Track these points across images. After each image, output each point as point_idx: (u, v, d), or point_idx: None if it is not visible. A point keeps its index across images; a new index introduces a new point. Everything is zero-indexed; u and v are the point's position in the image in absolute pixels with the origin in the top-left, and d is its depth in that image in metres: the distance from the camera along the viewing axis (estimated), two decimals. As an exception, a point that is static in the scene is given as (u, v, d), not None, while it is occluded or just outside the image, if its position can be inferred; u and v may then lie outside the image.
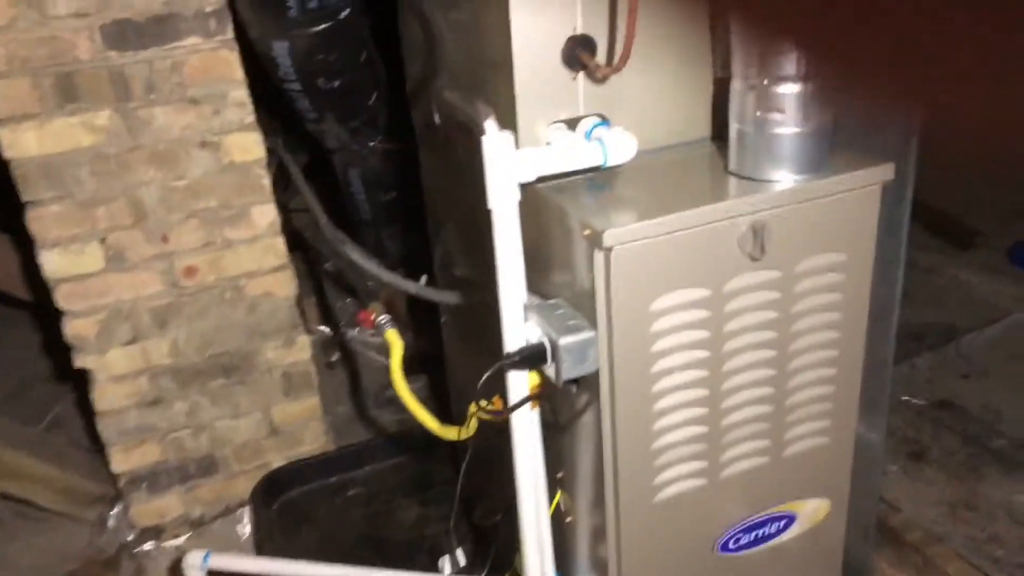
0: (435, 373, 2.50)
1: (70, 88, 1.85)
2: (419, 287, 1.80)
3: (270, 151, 2.86)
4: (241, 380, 2.27)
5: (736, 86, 1.17)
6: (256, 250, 2.15)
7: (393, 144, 2.38)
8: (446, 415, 1.71)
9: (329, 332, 3.09)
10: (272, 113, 2.36)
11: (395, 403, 2.92)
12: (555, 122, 1.28)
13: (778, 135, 1.14)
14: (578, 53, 1.22)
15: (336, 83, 2.07)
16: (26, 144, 1.86)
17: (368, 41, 2.10)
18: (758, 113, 1.14)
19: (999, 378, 2.67)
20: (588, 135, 1.27)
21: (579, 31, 1.23)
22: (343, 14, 1.89)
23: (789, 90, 1.11)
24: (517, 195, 1.17)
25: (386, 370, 3.12)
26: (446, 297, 1.68)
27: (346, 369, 2.96)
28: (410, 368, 1.58)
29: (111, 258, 2.01)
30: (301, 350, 2.30)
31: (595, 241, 1.08)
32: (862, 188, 1.19)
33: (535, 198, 1.23)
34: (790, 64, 1.09)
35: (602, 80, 1.23)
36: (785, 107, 1.12)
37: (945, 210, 3.72)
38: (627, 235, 1.08)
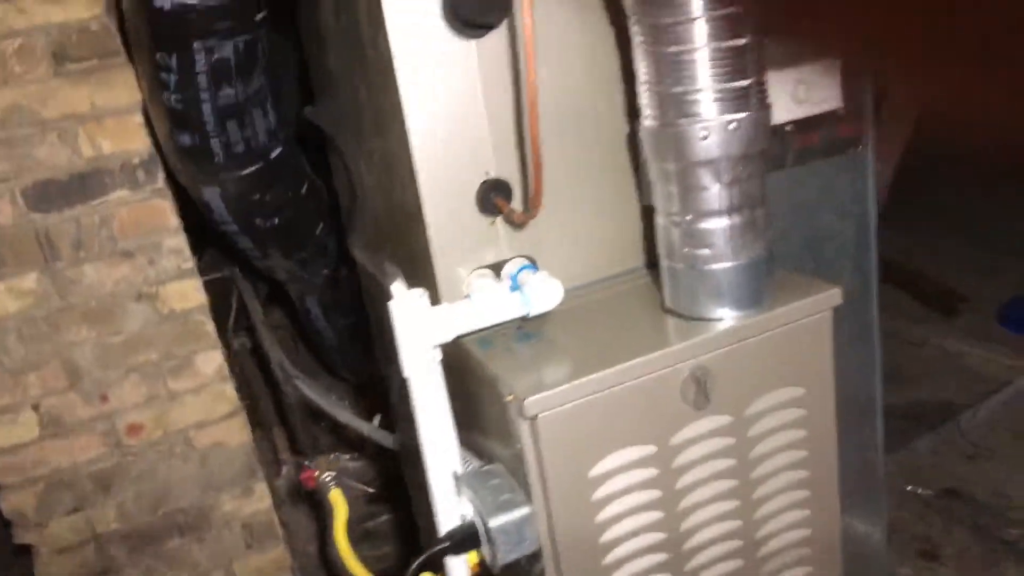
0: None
1: (-7, 255, 1.78)
2: (371, 427, 1.69)
3: (228, 281, 2.79)
4: (199, 538, 2.12)
5: (660, 221, 1.08)
6: (204, 399, 2.04)
7: (347, 269, 2.31)
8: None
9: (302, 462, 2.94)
10: (225, 245, 2.30)
11: (372, 537, 2.76)
12: (479, 268, 1.19)
13: (710, 271, 1.05)
14: (493, 198, 1.15)
15: (275, 220, 2.00)
16: (-52, 316, 1.77)
17: (307, 174, 2.04)
18: (686, 250, 1.05)
19: (1005, 458, 2.52)
20: (514, 279, 1.18)
21: (492, 175, 1.16)
22: (274, 154, 1.83)
23: (716, 225, 1.03)
24: (437, 357, 1.07)
25: (362, 499, 2.96)
26: (390, 441, 1.56)
27: (316, 502, 2.80)
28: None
29: (46, 424, 1.90)
30: (260, 499, 2.16)
31: (518, 409, 0.97)
32: (810, 317, 1.10)
33: (458, 352, 1.13)
34: (714, 199, 1.01)
35: (520, 225, 1.15)
36: (713, 243, 1.03)
37: (926, 274, 3.64)
38: (553, 400, 0.97)
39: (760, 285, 1.07)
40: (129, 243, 1.88)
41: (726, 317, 1.07)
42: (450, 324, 1.06)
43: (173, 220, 1.91)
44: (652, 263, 1.24)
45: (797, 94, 1.35)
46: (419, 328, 1.03)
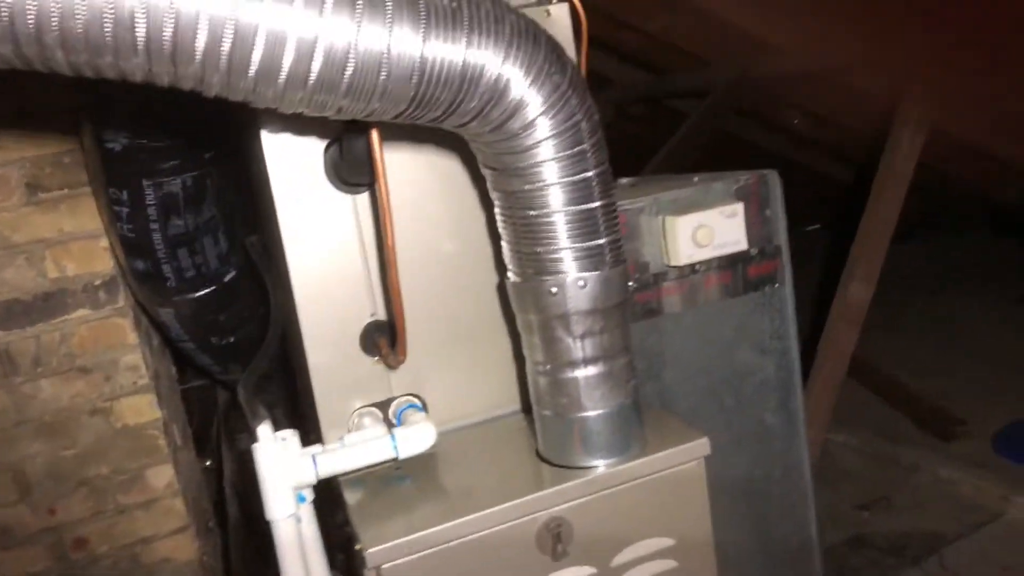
0: None
1: (-46, 370, 1.86)
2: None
3: (210, 389, 2.84)
4: (140, 656, 2.09)
5: (528, 369, 1.11)
6: (153, 514, 2.06)
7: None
8: None
9: None
10: (188, 361, 2.36)
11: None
12: (365, 406, 1.22)
13: (572, 420, 1.06)
14: (376, 339, 1.19)
15: (231, 339, 2.06)
16: (-94, 428, 1.84)
17: (266, 292, 2.11)
18: (549, 398, 1.07)
19: (990, 598, 2.39)
20: (398, 419, 1.20)
21: (378, 317, 1.20)
22: (227, 277, 1.91)
23: (573, 375, 1.05)
24: (309, 498, 1.09)
25: None
26: None
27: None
28: None
29: (-6, 536, 1.93)
30: (205, 618, 2.14)
31: (362, 560, 0.97)
32: (679, 466, 1.09)
33: (335, 491, 1.15)
34: (568, 351, 1.04)
35: (395, 367, 1.18)
36: (572, 392, 1.05)
37: (922, 395, 3.55)
38: (398, 551, 0.98)
39: (623, 434, 1.07)
40: (87, 360, 1.96)
41: (592, 465, 1.07)
42: (316, 467, 1.08)
43: (131, 337, 1.99)
44: (527, 407, 1.26)
45: (697, 238, 1.39)
46: (283, 471, 1.05)
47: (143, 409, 2.02)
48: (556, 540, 1.04)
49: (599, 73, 4.47)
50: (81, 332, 1.95)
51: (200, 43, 0.76)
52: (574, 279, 1.01)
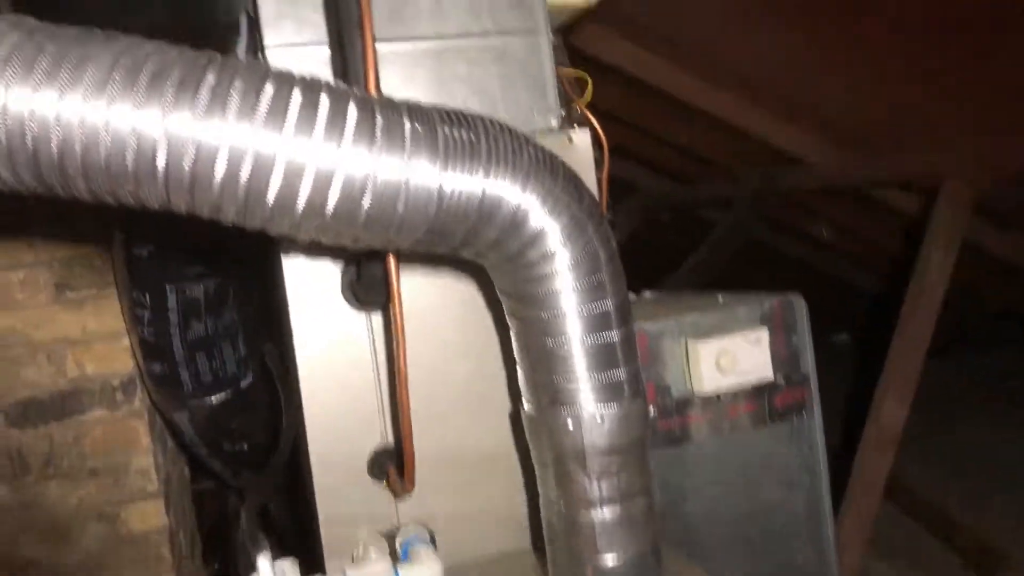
0: None
1: (-35, 468, 1.84)
2: None
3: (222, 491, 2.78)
4: None
5: (542, 505, 1.05)
6: (152, 629, 1.98)
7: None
8: None
9: None
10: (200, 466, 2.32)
11: None
12: (373, 535, 1.16)
13: (589, 565, 0.99)
14: (384, 465, 1.14)
15: (244, 446, 2.02)
16: (-90, 528, 1.81)
17: (279, 400, 2.09)
18: (563, 539, 1.01)
19: None
20: (404, 550, 1.15)
21: (388, 441, 1.16)
22: (244, 383, 1.90)
23: (589, 518, 0.99)
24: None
25: None
26: None
27: None
28: None
29: (-14, 646, 1.86)
30: None
31: None
32: (700, 620, 1.01)
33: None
34: (584, 491, 0.98)
35: (401, 496, 1.13)
36: (588, 535, 0.99)
37: (964, 525, 3.37)
38: None
39: (642, 582, 1.00)
40: (98, 461, 1.93)
41: (606, 616, 1.00)
42: (313, 603, 1.02)
43: (145, 440, 1.96)
44: (537, 546, 1.20)
45: (721, 364, 1.35)
46: (278, 607, 1.00)
47: (150, 516, 1.98)
48: None
49: (625, 180, 4.53)
50: (95, 433, 1.93)
51: (219, 173, 0.77)
52: (591, 414, 0.97)
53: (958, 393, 5.08)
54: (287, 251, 1.11)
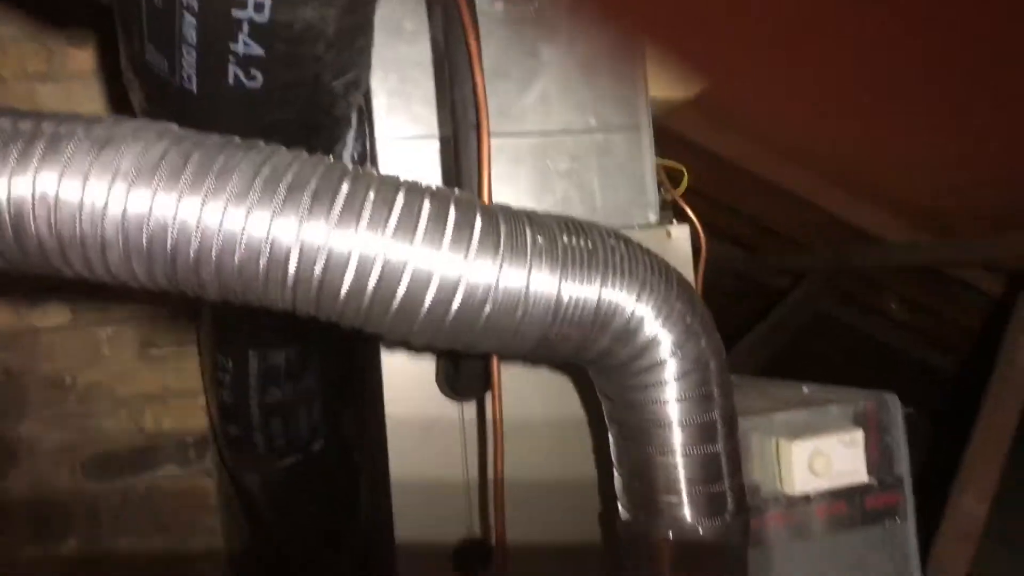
0: None
1: (40, 518, 1.87)
2: None
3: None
4: None
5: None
6: None
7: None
8: None
9: None
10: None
11: None
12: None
13: None
14: (468, 559, 1.12)
15: (313, 509, 2.02)
16: (-15, 578, 1.84)
17: (351, 472, 2.08)
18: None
19: None
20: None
21: (473, 535, 1.14)
22: (315, 447, 1.90)
23: None
24: None
25: None
26: None
27: None
28: None
29: None
30: None
31: None
32: None
33: None
34: None
35: (487, 597, 1.11)
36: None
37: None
38: None
39: None
40: (167, 518, 1.94)
41: None
42: None
43: (212, 499, 1.97)
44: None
45: (814, 467, 1.30)
46: None
47: (214, 576, 1.97)
48: None
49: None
50: (165, 488, 1.95)
51: (347, 281, 0.77)
52: (692, 526, 0.94)
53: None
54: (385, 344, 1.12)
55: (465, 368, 1.06)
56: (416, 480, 1.14)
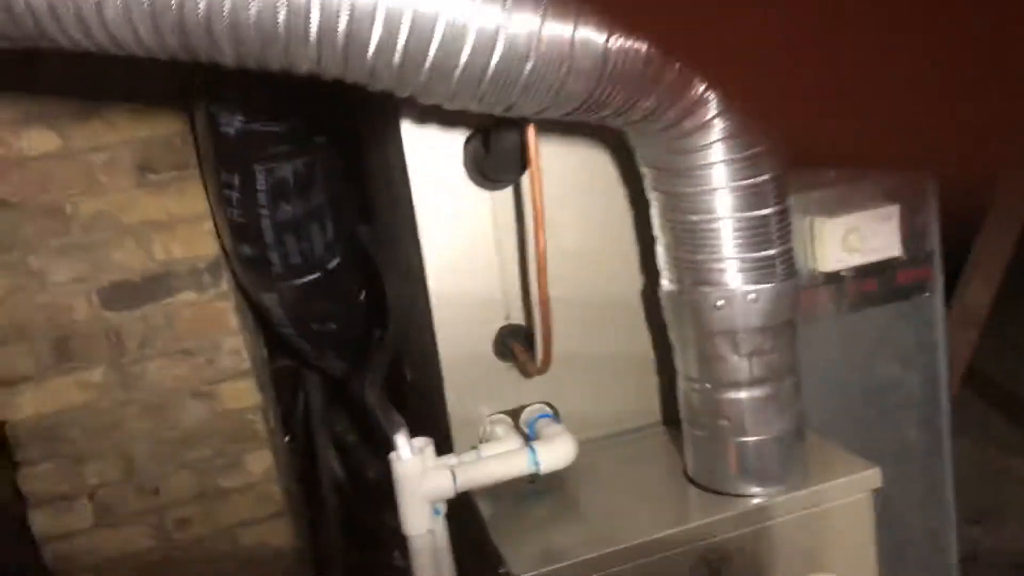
0: None
1: (65, 349, 1.87)
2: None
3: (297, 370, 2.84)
4: (235, 636, 2.11)
5: (680, 385, 1.03)
6: (251, 499, 2.06)
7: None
8: None
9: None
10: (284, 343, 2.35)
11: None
12: (496, 413, 1.16)
13: (730, 444, 0.98)
14: (510, 344, 1.12)
15: (331, 326, 2.03)
16: (21, 406, 1.87)
17: (365, 282, 2.08)
18: (705, 418, 0.99)
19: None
20: (531, 428, 1.14)
21: (511, 321, 1.13)
22: (331, 264, 1.88)
23: (735, 396, 0.96)
24: (442, 510, 1.04)
25: None
26: None
27: None
28: None
29: (100, 514, 1.95)
30: (300, 603, 2.14)
31: (510, 586, 0.92)
32: (845, 499, 1.00)
33: (466, 505, 1.09)
34: (732, 371, 0.95)
35: (534, 375, 1.11)
36: (733, 415, 0.96)
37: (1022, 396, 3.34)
38: (548, 578, 0.91)
39: (785, 462, 0.99)
40: (190, 342, 1.95)
41: (749, 493, 0.99)
42: (454, 481, 1.02)
43: (233, 322, 1.97)
44: (672, 419, 1.18)
45: (849, 242, 1.28)
46: (420, 484, 1.00)
47: (243, 394, 2.01)
48: (715, 573, 0.96)
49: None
50: (185, 315, 1.94)
51: (376, 35, 0.70)
52: (743, 292, 0.93)
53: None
54: (409, 129, 1.05)
55: (497, 147, 1.00)
56: (451, 272, 1.11)
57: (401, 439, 1.01)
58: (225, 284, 1.96)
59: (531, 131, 0.93)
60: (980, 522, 2.69)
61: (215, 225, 1.89)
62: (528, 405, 1.17)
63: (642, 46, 0.80)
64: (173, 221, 1.90)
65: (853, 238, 1.29)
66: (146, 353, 1.93)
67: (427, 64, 0.72)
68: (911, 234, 1.38)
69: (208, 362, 1.98)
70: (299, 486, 2.48)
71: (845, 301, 1.37)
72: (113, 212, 1.86)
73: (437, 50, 0.72)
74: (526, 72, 0.75)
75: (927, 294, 1.41)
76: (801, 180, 1.47)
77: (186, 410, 1.98)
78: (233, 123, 1.56)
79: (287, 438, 2.64)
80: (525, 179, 1.05)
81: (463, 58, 0.73)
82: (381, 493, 2.36)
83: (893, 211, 1.31)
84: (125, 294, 1.90)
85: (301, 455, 2.75)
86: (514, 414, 1.17)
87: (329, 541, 2.22)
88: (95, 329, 1.89)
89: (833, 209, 1.31)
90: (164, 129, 1.84)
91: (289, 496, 2.22)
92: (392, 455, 1.00)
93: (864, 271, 1.35)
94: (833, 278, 1.34)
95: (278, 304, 1.93)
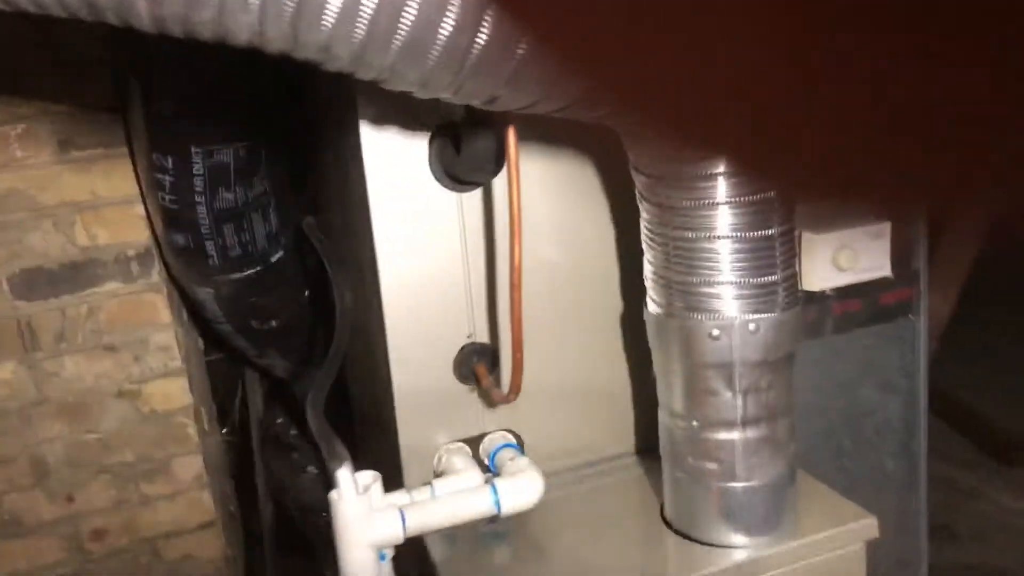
0: None
1: (-30, 341, 1.68)
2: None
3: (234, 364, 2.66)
4: (156, 656, 1.94)
5: (663, 419, 0.92)
6: (177, 507, 1.89)
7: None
8: None
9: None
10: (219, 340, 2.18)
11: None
12: (455, 441, 1.04)
13: (717, 490, 0.87)
14: (473, 366, 1.00)
15: (272, 324, 1.88)
16: (-84, 403, 1.67)
17: (311, 277, 1.93)
18: (690, 459, 0.88)
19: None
20: (492, 459, 1.02)
21: (475, 339, 1.01)
22: (273, 258, 1.72)
23: (726, 437, 0.86)
24: (389, 555, 0.91)
25: None
26: None
27: None
28: None
29: (6, 523, 1.77)
30: (228, 621, 1.99)
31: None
32: (838, 551, 0.91)
33: (416, 547, 0.97)
34: (725, 408, 0.85)
35: (498, 405, 0.99)
36: (722, 458, 0.86)
37: (981, 413, 3.35)
38: (510, 642, 0.80)
39: (778, 510, 0.89)
40: (115, 337, 1.77)
41: (735, 544, 0.89)
42: (403, 524, 0.89)
43: (164, 315, 1.80)
44: (647, 448, 1.07)
45: (839, 261, 1.19)
46: (365, 530, 0.87)
47: (173, 394, 1.85)
48: (693, 633, 0.86)
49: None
50: (110, 307, 1.77)
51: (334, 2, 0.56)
52: (743, 321, 0.82)
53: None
54: (367, 126, 0.91)
55: (470, 147, 0.88)
56: (409, 282, 0.98)
57: (344, 475, 0.88)
58: (156, 275, 1.79)
59: (511, 134, 0.80)
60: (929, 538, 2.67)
61: (146, 210, 1.72)
62: (489, 433, 1.05)
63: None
64: (99, 203, 1.72)
65: (844, 256, 1.20)
66: (63, 348, 1.75)
67: (397, 41, 0.59)
68: (899, 252, 1.30)
69: (134, 359, 1.81)
70: (233, 485, 2.32)
71: (828, 322, 1.28)
72: (29, 190, 1.67)
73: (415, 22, 0.59)
74: (518, 56, 0.62)
75: (911, 316, 1.34)
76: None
77: (107, 411, 1.81)
78: (167, 102, 1.40)
79: (224, 431, 2.48)
80: (499, 181, 0.93)
81: (442, 34, 0.60)
82: (321, 499, 2.19)
83: (884, 228, 1.23)
84: (40, 282, 1.71)
85: (238, 451, 2.59)
86: (474, 442, 1.05)
87: (264, 552, 2.07)
88: (4, 321, 1.71)
89: (824, 224, 1.22)
90: (90, 102, 1.66)
91: (223, 502, 2.06)
92: (333, 494, 0.87)
93: (848, 291, 1.27)
94: (817, 298, 1.26)
95: (214, 299, 1.77)
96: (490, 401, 1.00)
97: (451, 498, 0.92)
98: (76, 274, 1.73)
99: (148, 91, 1.37)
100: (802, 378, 1.30)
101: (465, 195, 0.97)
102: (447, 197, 0.96)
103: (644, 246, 0.88)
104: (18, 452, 1.76)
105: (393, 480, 1.00)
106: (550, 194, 0.99)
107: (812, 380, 1.32)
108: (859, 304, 1.30)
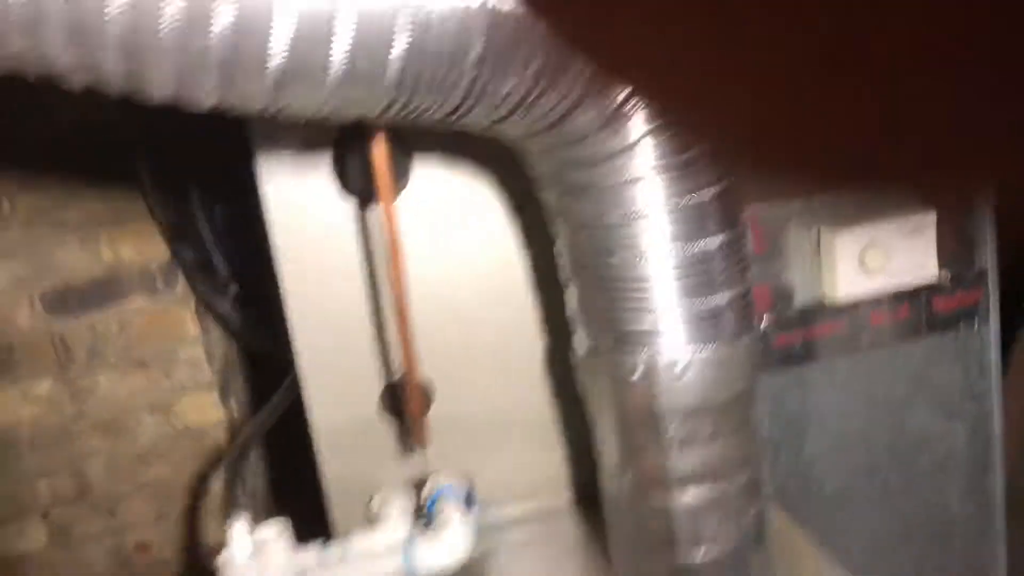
0: None
1: (8, 359, 1.73)
2: None
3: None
4: (205, 664, 1.96)
5: (602, 471, 0.77)
6: (216, 521, 1.89)
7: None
8: None
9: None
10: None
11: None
12: (389, 489, 0.92)
13: (664, 560, 0.71)
14: (399, 402, 0.88)
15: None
16: (-37, 420, 1.74)
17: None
18: (632, 527, 0.73)
19: None
20: (431, 508, 0.90)
21: (395, 377, 0.89)
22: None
23: (667, 503, 0.69)
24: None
25: None
26: None
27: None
28: None
29: (55, 534, 1.82)
30: (271, 632, 1.97)
31: None
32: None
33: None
34: (670, 463, 0.68)
35: (417, 447, 0.87)
36: (666, 524, 0.70)
37: None
38: None
39: (738, 586, 0.72)
40: (145, 352, 1.78)
41: (688, 623, 0.73)
42: (306, 584, 0.79)
43: (192, 329, 1.80)
44: (582, 496, 0.92)
45: (868, 261, 0.98)
46: (261, 589, 0.78)
47: (206, 408, 1.84)
48: None
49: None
50: (139, 322, 1.78)
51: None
52: (671, 360, 0.66)
53: None
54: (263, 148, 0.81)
55: (353, 162, 0.75)
56: (323, 315, 0.87)
57: (238, 532, 0.78)
58: (180, 288, 1.78)
59: (377, 145, 0.67)
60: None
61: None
62: (435, 473, 0.92)
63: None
64: (122, 218, 1.73)
65: (873, 255, 0.98)
66: (95, 364, 1.77)
67: (271, 66, 0.48)
68: (955, 248, 1.07)
69: (165, 375, 1.81)
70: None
71: (864, 336, 1.07)
72: (55, 210, 1.70)
73: (288, 47, 0.47)
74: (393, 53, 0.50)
75: (976, 326, 1.10)
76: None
77: (142, 426, 1.82)
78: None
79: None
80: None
81: (331, 55, 0.48)
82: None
83: (928, 220, 1.00)
84: (70, 299, 1.74)
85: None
86: (421, 484, 0.93)
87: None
88: (39, 338, 1.75)
89: (848, 218, 1.01)
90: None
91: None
92: (222, 555, 0.77)
93: (891, 297, 1.05)
94: (847, 307, 1.05)
95: (231, 309, 1.74)
96: (414, 443, 0.88)
97: (361, 561, 0.81)
98: (102, 291, 1.74)
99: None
100: (839, 402, 1.10)
101: (367, 211, 0.85)
102: (356, 213, 0.85)
103: (565, 274, 0.73)
104: (61, 466, 1.80)
105: (325, 530, 0.91)
106: (470, 210, 0.85)
107: (851, 405, 1.11)
108: (906, 310, 1.07)
